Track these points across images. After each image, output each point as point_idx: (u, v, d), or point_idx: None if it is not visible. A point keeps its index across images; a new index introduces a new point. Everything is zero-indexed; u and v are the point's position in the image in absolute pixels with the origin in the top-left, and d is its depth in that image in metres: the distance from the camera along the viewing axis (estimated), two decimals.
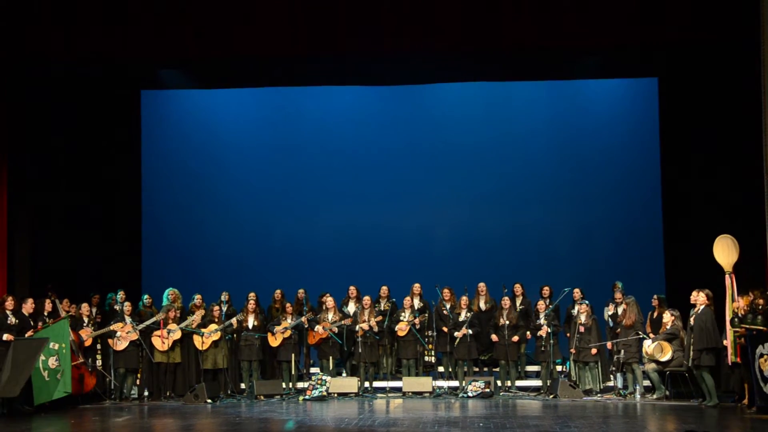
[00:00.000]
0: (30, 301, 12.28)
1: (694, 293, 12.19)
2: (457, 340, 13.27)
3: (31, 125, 13.76)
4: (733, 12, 12.54)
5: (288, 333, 13.36)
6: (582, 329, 12.95)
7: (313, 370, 13.91)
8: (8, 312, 11.86)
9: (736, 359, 11.50)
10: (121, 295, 13.69)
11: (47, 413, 11.73)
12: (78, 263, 14.45)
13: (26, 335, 11.90)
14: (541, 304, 13.41)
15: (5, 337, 11.75)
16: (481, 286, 14.02)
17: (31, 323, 12.16)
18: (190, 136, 16.12)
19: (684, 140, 14.26)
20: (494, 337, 13.43)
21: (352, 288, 14.02)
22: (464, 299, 13.56)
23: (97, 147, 14.81)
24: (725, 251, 11.96)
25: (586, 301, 13.16)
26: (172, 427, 10.60)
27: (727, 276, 11.87)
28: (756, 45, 12.26)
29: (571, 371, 13.22)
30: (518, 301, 13.85)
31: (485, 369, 13.90)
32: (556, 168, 15.81)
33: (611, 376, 13.14)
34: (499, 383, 13.42)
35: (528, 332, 13.44)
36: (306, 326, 13.47)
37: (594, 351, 12.91)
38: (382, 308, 13.71)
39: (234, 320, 13.24)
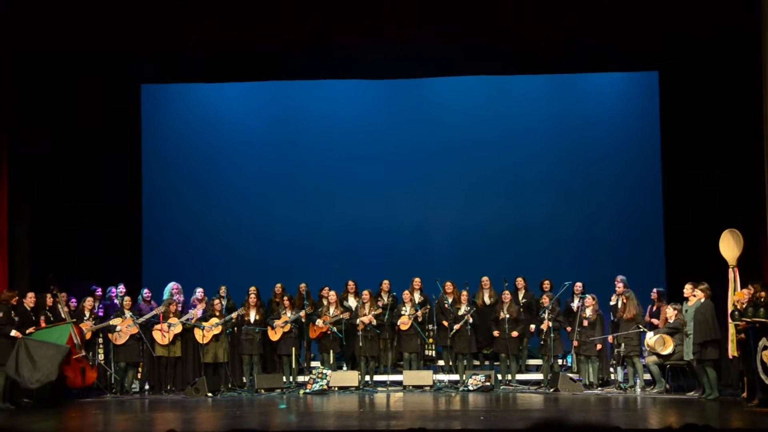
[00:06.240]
0: (30, 295, 12.30)
1: (688, 287, 12.18)
2: (452, 332, 13.26)
3: (31, 119, 13.73)
4: (734, 4, 12.51)
5: (288, 327, 13.37)
6: (586, 323, 12.94)
7: (313, 363, 13.92)
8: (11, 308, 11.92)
9: (736, 353, 11.49)
10: (120, 288, 13.68)
11: (48, 407, 11.74)
12: (77, 257, 14.42)
13: (27, 331, 11.92)
14: (545, 298, 13.39)
15: (13, 333, 11.78)
16: (485, 280, 14.03)
17: (33, 318, 12.18)
18: (190, 130, 16.08)
19: (684, 133, 14.22)
20: (496, 333, 13.42)
21: (350, 283, 14.02)
22: (464, 294, 13.55)
23: (97, 141, 14.75)
24: (730, 245, 11.94)
25: (592, 295, 13.14)
26: (173, 421, 10.60)
27: (730, 270, 11.85)
28: (756, 37, 12.23)
29: (573, 365, 13.23)
30: (520, 295, 13.84)
31: (486, 363, 13.91)
32: (557, 162, 15.78)
33: (612, 369, 13.15)
34: (499, 377, 13.43)
35: (532, 326, 13.43)
36: (304, 320, 13.46)
37: (599, 347, 12.90)
38: (385, 302, 13.71)
39: (234, 314, 13.25)
